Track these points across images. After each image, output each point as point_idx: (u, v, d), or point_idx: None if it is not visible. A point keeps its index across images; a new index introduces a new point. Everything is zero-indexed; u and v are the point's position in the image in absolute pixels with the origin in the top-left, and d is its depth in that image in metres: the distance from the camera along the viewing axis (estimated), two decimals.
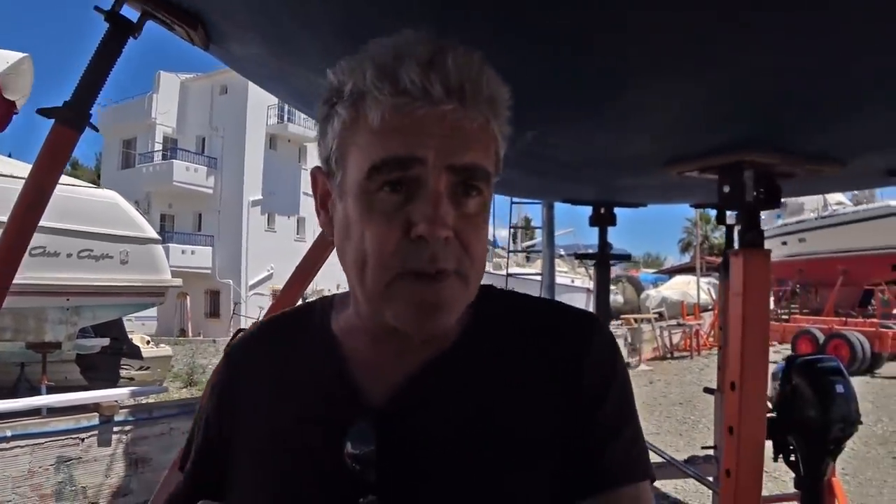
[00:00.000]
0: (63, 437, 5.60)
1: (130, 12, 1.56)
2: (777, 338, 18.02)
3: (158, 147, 31.80)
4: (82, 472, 5.75)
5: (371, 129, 0.72)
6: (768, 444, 3.92)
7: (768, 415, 3.93)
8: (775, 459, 3.94)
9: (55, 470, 5.52)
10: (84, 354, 9.59)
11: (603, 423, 0.80)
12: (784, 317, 22.27)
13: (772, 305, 26.30)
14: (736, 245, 2.38)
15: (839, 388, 3.62)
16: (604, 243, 3.55)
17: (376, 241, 0.72)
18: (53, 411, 6.02)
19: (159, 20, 1.55)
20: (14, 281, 6.18)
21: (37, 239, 8.07)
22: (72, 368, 9.64)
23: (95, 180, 33.39)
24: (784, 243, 25.23)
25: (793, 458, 3.83)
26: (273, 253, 31.00)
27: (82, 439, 5.78)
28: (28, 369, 9.06)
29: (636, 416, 0.85)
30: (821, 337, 16.15)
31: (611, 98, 1.45)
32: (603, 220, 3.40)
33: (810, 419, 3.62)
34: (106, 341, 9.81)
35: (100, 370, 9.81)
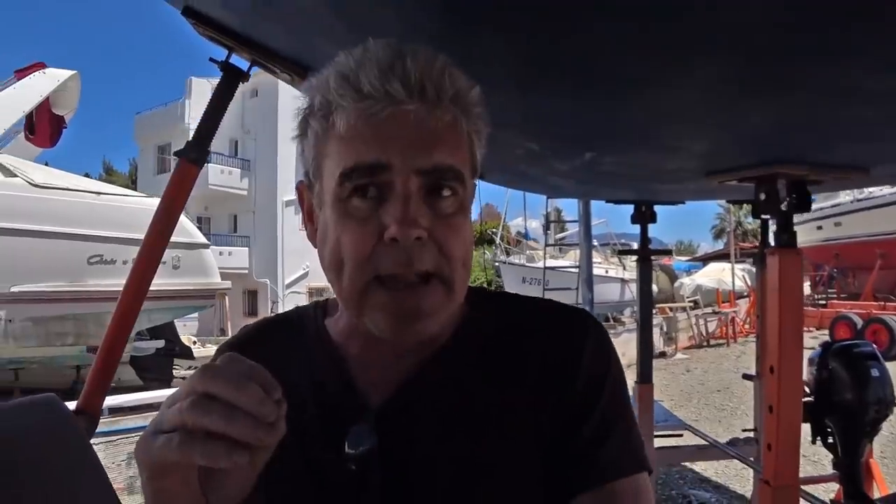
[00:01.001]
0: (133, 435, 5.95)
1: (240, 61, 1.82)
2: (814, 323, 17.89)
3: None
4: None
5: (339, 137, 0.73)
6: (806, 426, 4.11)
7: (806, 399, 4.12)
8: (813, 441, 4.12)
9: (126, 465, 5.87)
10: (139, 356, 10.01)
11: (599, 418, 0.80)
12: (821, 302, 22.05)
13: (808, 291, 26.12)
14: (771, 241, 2.58)
15: (875, 372, 3.80)
16: (645, 240, 3.76)
17: (351, 246, 0.73)
18: (116, 410, 6.36)
19: (266, 67, 1.81)
20: (75, 288, 6.59)
21: (95, 248, 8.54)
22: (126, 370, 10.06)
23: (129, 185, 34.00)
24: (819, 228, 24.83)
25: (830, 440, 4.02)
26: (308, 251, 31.08)
27: None
28: (83, 372, 9.49)
29: (631, 409, 0.86)
30: (859, 322, 15.96)
31: (659, 128, 1.69)
32: (644, 218, 3.61)
33: (847, 402, 3.80)
34: (161, 343, 10.24)
35: (153, 371, 10.21)
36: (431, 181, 0.72)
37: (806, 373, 4.18)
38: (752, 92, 1.43)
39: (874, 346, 4.16)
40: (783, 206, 1.87)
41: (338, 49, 1.64)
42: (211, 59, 1.81)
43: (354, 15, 1.38)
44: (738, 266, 26.32)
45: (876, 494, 4.44)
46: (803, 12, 1.03)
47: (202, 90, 32.27)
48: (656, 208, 3.69)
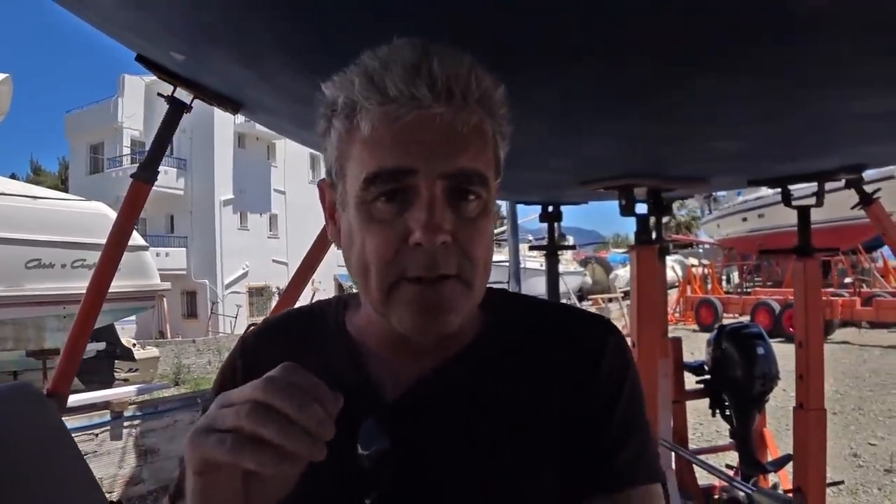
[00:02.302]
0: (79, 433, 5.91)
1: (184, 95, 2.14)
2: (738, 310, 18.77)
3: (127, 151, 31.45)
4: (98, 465, 6.12)
5: (363, 139, 0.72)
6: (705, 401, 4.60)
7: (705, 376, 4.62)
8: (713, 414, 4.62)
9: None
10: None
11: (616, 426, 0.81)
12: (748, 289, 23.04)
13: (737, 279, 27.16)
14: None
15: (760, 350, 4.30)
16: (552, 236, 4.18)
17: (376, 250, 0.72)
18: (67, 410, 6.46)
19: (204, 100, 2.13)
20: (14, 293, 6.68)
21: (33, 252, 8.57)
22: None
23: (59, 185, 33.01)
24: (744, 219, 25.85)
25: (727, 412, 4.52)
26: (247, 251, 31.18)
27: (96, 434, 6.20)
28: (21, 377, 9.44)
29: (647, 418, 0.85)
30: (777, 307, 16.93)
31: (530, 153, 2.10)
32: (551, 217, 4.01)
33: (737, 377, 4.29)
34: (102, 345, 10.23)
35: (94, 373, 10.18)
36: (456, 185, 0.72)
37: (704, 353, 4.69)
38: (607, 120, 1.83)
39: (760, 327, 4.68)
40: (637, 210, 2.30)
41: (259, 92, 1.98)
42: (159, 94, 2.13)
43: (263, 72, 1.71)
44: (669, 258, 27.04)
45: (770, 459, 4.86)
46: (651, 57, 1.35)
47: (135, 88, 31.54)
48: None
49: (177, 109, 2.12)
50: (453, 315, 0.73)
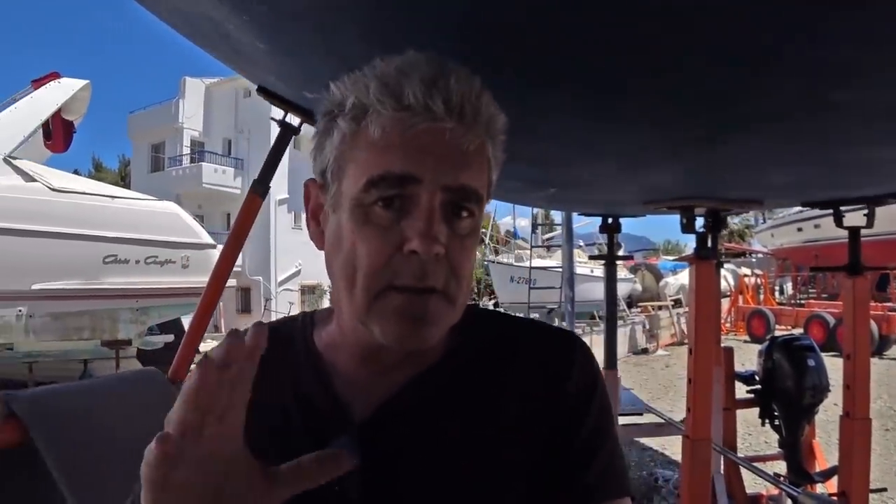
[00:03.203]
0: None
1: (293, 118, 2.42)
2: (790, 322, 18.52)
3: (186, 150, 32.37)
4: None
5: (371, 143, 0.72)
6: (755, 410, 4.74)
7: (755, 386, 4.76)
8: (763, 424, 4.75)
9: None
10: (146, 350, 10.48)
11: (584, 440, 0.81)
12: (802, 301, 22.66)
13: (790, 290, 26.67)
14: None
15: (811, 362, 4.43)
16: (611, 246, 4.40)
17: (368, 255, 0.72)
18: None
19: (311, 124, 2.41)
20: (91, 286, 7.16)
21: (110, 248, 9.06)
22: (133, 364, 10.54)
23: (119, 182, 34.07)
24: (800, 230, 25.40)
25: (777, 422, 4.65)
26: (300, 250, 31.52)
27: None
28: (91, 365, 9.97)
29: (615, 433, 0.86)
30: (831, 321, 16.62)
31: (599, 179, 2.33)
32: (610, 229, 4.19)
33: (788, 388, 4.43)
34: (170, 337, 10.71)
35: (159, 364, 10.54)
36: (454, 200, 0.73)
37: (756, 364, 4.83)
38: (672, 158, 2.05)
39: (812, 339, 4.80)
40: (699, 229, 2.51)
41: None
42: (272, 118, 2.44)
43: None
44: (723, 267, 26.64)
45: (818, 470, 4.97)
46: (711, 110, 1.52)
47: (196, 90, 32.45)
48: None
49: (287, 132, 2.42)
50: (434, 328, 0.74)
